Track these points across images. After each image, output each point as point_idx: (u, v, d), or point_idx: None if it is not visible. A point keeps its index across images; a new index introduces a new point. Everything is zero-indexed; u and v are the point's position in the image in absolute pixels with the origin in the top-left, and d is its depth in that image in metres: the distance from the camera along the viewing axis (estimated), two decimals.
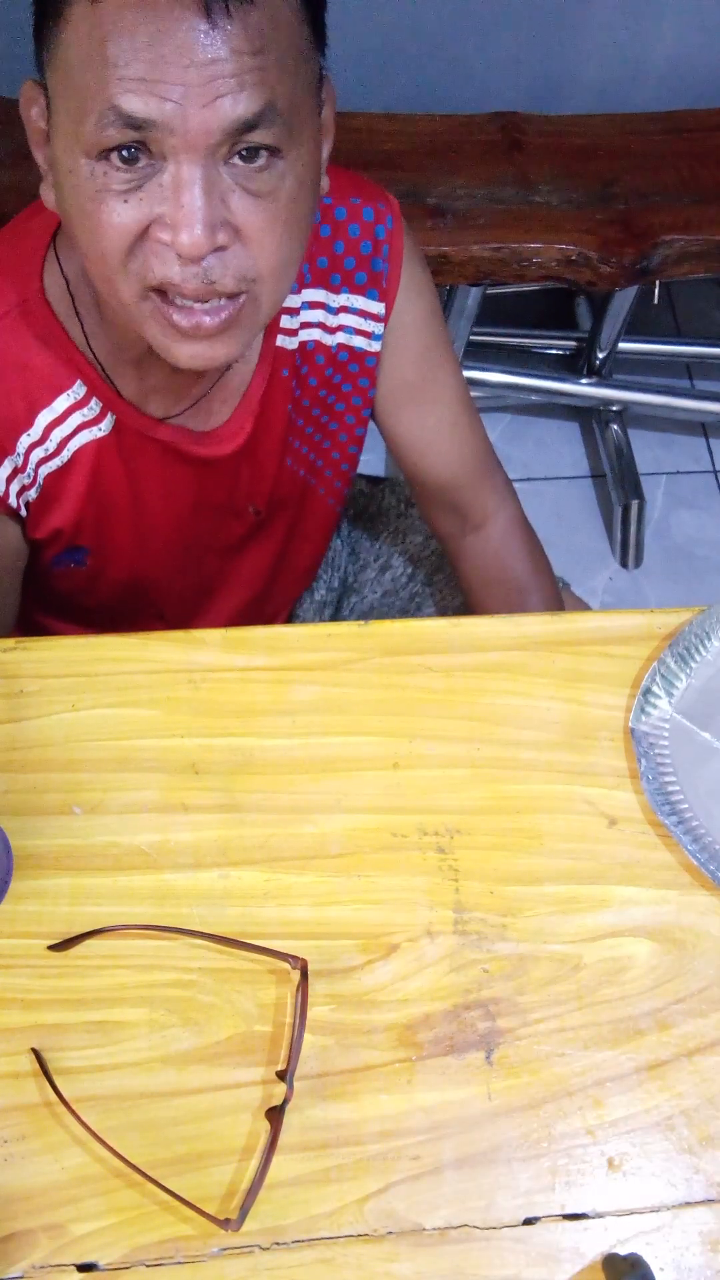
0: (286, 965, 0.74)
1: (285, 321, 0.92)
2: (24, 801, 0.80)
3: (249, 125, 0.67)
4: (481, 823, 0.81)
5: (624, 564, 2.00)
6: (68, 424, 0.88)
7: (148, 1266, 0.66)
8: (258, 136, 0.67)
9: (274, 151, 0.69)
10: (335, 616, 1.24)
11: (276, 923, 0.77)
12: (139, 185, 0.68)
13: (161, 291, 0.72)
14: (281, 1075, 0.71)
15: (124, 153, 0.67)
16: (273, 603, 1.17)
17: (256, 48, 0.65)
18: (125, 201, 0.68)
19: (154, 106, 0.65)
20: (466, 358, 1.97)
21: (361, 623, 0.89)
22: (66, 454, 0.89)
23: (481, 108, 1.80)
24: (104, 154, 0.67)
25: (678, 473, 2.10)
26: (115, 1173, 0.68)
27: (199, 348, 0.75)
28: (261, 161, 0.69)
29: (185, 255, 0.69)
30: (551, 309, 2.23)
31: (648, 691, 0.85)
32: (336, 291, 0.93)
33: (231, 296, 0.73)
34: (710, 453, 2.13)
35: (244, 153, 0.68)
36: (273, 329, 0.92)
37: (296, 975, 0.74)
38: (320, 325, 0.94)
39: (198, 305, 0.73)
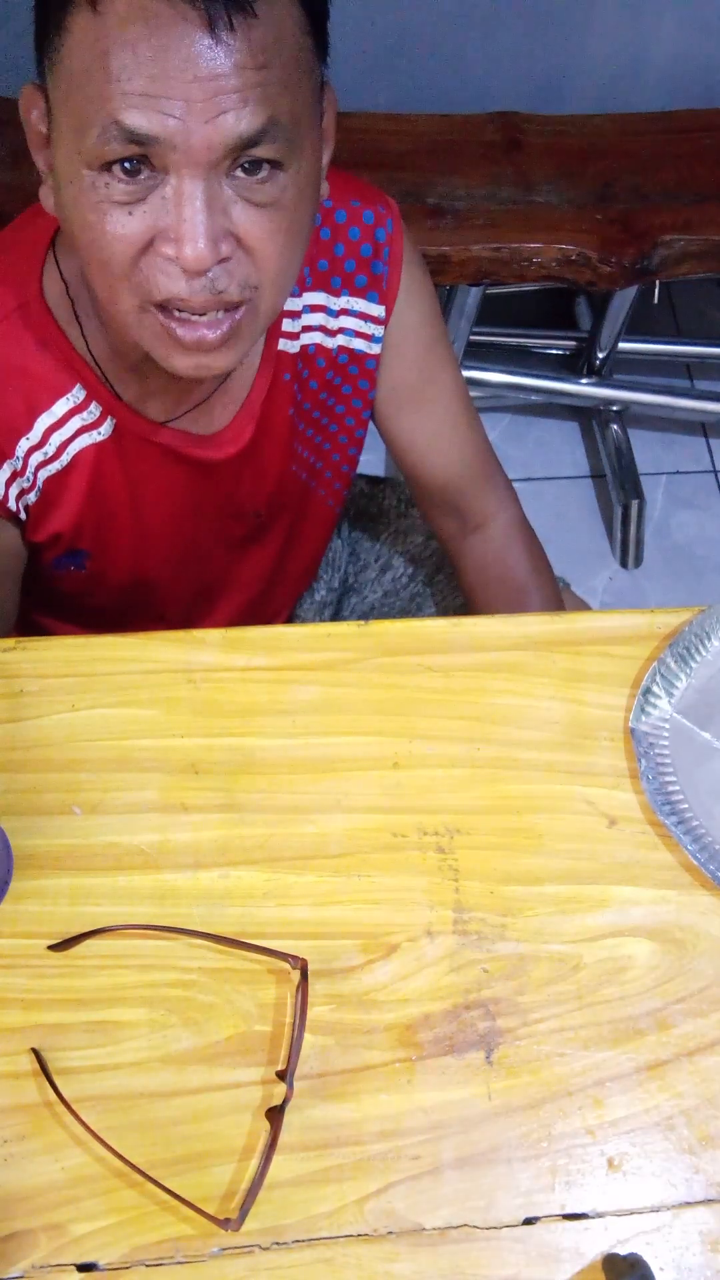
0: (286, 965, 0.74)
1: (286, 325, 0.92)
2: (24, 801, 0.80)
3: (252, 141, 0.66)
4: (481, 823, 0.81)
5: (624, 564, 2.00)
6: (67, 428, 0.88)
7: (148, 1266, 0.66)
8: (260, 151, 0.67)
9: (276, 164, 0.69)
10: (336, 617, 1.24)
11: (276, 923, 0.77)
12: (141, 197, 0.68)
13: (163, 305, 0.72)
14: (281, 1075, 0.71)
15: (126, 165, 0.67)
16: (273, 604, 1.17)
17: (260, 62, 0.65)
18: (130, 214, 0.68)
19: (156, 122, 0.65)
20: (466, 358, 1.97)
21: (361, 623, 0.89)
22: (66, 458, 0.89)
23: (481, 108, 1.80)
24: (106, 166, 0.67)
25: (678, 473, 2.10)
26: (115, 1173, 0.68)
27: (200, 359, 0.75)
28: (264, 174, 0.69)
29: (190, 269, 0.68)
30: (551, 309, 2.23)
31: (648, 691, 0.85)
32: (337, 294, 0.93)
33: (234, 307, 0.73)
34: (710, 453, 2.13)
35: (246, 165, 0.68)
36: (274, 333, 0.92)
37: (296, 975, 0.74)
38: (321, 328, 0.94)
39: (199, 318, 0.72)
